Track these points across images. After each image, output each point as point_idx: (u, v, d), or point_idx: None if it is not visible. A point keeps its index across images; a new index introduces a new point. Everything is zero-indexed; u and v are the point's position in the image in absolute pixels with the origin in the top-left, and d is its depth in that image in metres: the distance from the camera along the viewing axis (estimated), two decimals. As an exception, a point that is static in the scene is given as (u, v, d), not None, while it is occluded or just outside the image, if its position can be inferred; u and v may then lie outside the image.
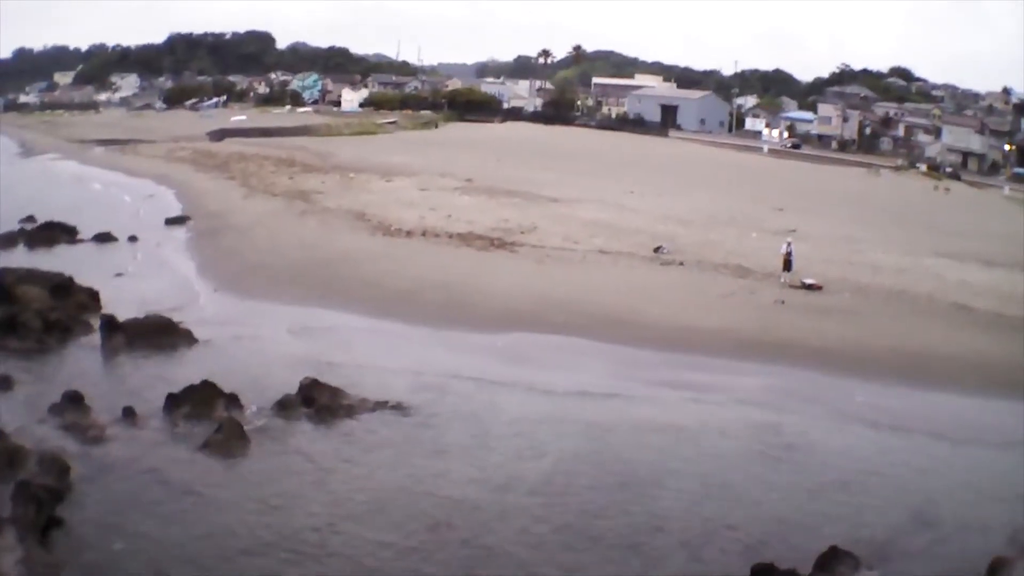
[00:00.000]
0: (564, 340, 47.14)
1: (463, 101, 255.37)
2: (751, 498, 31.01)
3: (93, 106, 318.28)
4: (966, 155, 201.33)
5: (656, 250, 67.25)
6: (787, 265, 60.89)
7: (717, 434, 36.57)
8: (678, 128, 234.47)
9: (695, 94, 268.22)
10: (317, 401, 36.39)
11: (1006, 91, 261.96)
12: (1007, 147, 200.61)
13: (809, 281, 59.77)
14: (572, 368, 43.33)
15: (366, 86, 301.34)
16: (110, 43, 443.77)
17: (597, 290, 55.56)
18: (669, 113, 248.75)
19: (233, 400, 35.75)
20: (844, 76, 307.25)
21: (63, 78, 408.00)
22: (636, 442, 35.22)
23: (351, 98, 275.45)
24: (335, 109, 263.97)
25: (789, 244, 62.27)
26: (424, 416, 36.45)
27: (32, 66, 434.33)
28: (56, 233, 72.16)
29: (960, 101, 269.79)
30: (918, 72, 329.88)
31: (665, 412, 38.58)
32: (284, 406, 36.16)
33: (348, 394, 37.26)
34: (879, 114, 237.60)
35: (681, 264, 63.76)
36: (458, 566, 25.98)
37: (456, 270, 58.96)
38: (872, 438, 37.28)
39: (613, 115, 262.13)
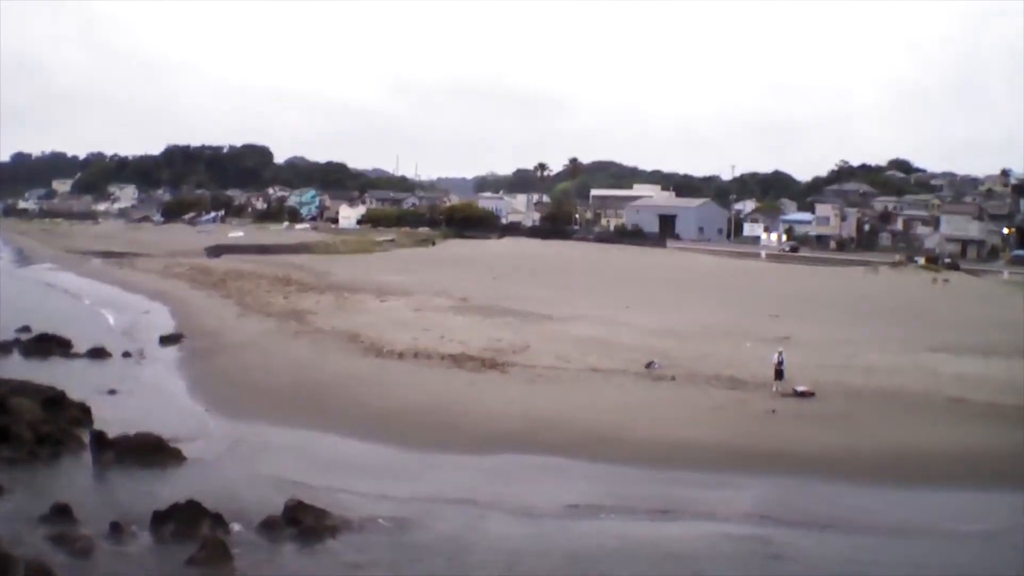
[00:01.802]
0: (551, 460, 47.04)
1: (461, 217, 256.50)
2: None
3: (92, 216, 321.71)
4: (965, 243, 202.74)
5: (648, 366, 67.00)
6: (778, 374, 60.83)
7: (702, 550, 36.42)
8: (676, 238, 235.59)
9: (693, 202, 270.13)
10: (302, 522, 36.42)
11: (1004, 173, 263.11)
12: (1006, 231, 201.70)
13: (801, 388, 59.63)
14: (557, 489, 43.13)
15: (364, 202, 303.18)
16: (108, 151, 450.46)
17: (587, 409, 55.32)
18: (667, 223, 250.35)
19: (218, 519, 35.86)
20: (843, 173, 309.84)
21: (61, 186, 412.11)
22: (616, 560, 35.08)
23: (348, 215, 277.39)
24: (333, 226, 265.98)
25: (780, 353, 62.26)
26: (407, 539, 36.44)
27: (29, 171, 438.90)
28: (51, 345, 73.17)
29: (959, 188, 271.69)
30: (918, 162, 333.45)
31: (646, 528, 38.73)
32: (269, 526, 36.28)
33: (332, 515, 37.28)
34: (878, 209, 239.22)
35: (673, 379, 63.41)
36: None
37: (446, 392, 58.89)
38: (860, 543, 37.31)
39: (611, 227, 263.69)
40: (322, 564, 34.25)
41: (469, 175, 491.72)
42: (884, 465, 45.97)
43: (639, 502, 41.76)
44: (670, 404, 57.22)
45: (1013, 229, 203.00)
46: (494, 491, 42.59)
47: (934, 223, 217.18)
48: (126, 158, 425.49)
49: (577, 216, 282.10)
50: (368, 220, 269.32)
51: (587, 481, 44.58)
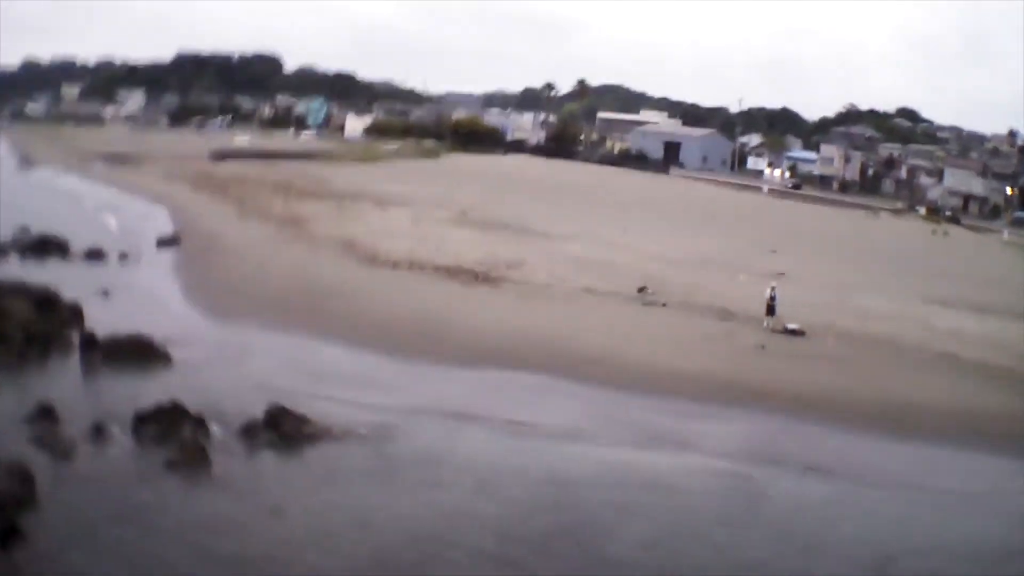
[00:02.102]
0: (537, 378, 47.06)
1: (466, 132, 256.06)
2: (707, 548, 31.00)
3: (99, 120, 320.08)
4: (967, 198, 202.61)
5: (640, 290, 67.12)
6: (770, 310, 60.76)
7: (681, 481, 36.37)
8: (680, 165, 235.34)
9: (698, 132, 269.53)
10: (282, 428, 36.61)
11: (1012, 134, 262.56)
12: (1009, 191, 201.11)
13: (792, 326, 59.61)
14: (541, 407, 43.29)
15: (371, 113, 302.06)
16: (117, 58, 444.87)
17: (576, 329, 55.49)
18: (672, 150, 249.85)
19: (199, 422, 35.97)
20: (850, 116, 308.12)
21: (70, 91, 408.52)
22: (596, 486, 35.03)
23: (355, 124, 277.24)
24: (339, 135, 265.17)
25: (773, 288, 62.15)
26: (386, 448, 36.62)
27: (39, 77, 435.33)
28: (48, 247, 72.61)
29: (965, 143, 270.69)
30: (926, 113, 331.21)
31: (629, 456, 38.52)
32: (249, 431, 36.39)
33: (313, 422, 37.38)
34: (883, 155, 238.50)
35: (664, 306, 63.62)
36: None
37: (437, 303, 59.13)
38: (841, 489, 37.13)
39: (616, 151, 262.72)
40: (297, 470, 34.44)
41: (478, 91, 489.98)
42: (870, 412, 45.72)
43: (621, 427, 41.76)
44: (660, 331, 57.38)
45: (1017, 190, 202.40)
46: (477, 405, 42.65)
47: (938, 175, 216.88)
48: (136, 64, 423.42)
49: (582, 137, 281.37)
50: (374, 130, 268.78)
51: (571, 402, 44.65)
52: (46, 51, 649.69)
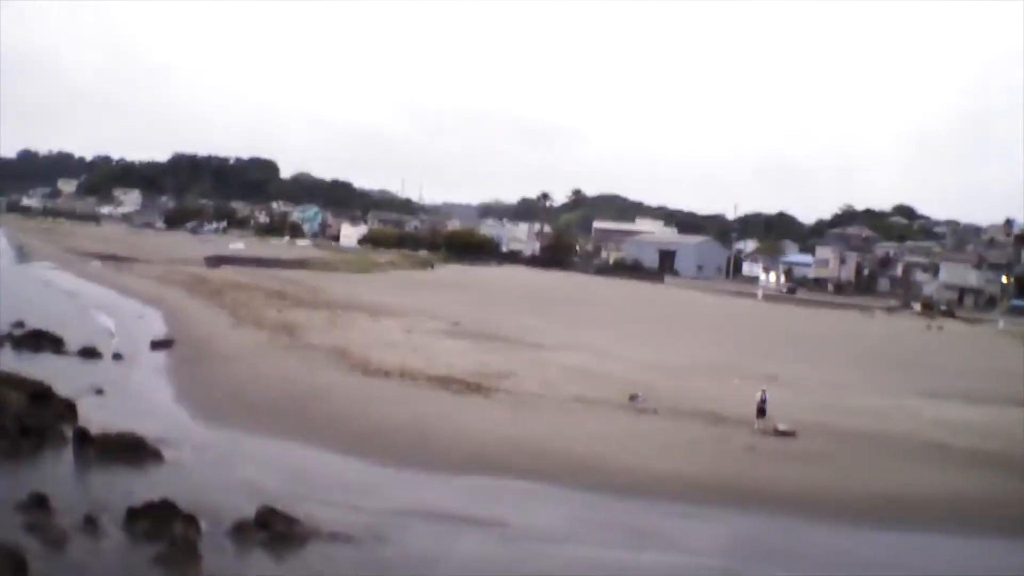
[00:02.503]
0: (526, 485, 47.28)
1: (461, 243, 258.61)
2: None
3: (95, 218, 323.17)
4: (963, 291, 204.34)
5: (631, 398, 67.14)
6: (761, 412, 61.06)
7: None
8: (675, 274, 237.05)
9: (693, 239, 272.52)
10: (272, 527, 36.94)
11: (1008, 223, 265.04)
12: (1004, 280, 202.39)
13: (782, 427, 59.85)
14: (529, 512, 43.55)
15: (366, 222, 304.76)
16: (114, 155, 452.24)
17: (566, 437, 55.57)
18: (667, 258, 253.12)
19: (190, 520, 36.29)
20: (846, 217, 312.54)
21: (67, 186, 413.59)
22: None
23: (350, 233, 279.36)
24: (334, 244, 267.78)
25: (763, 391, 62.49)
26: (374, 550, 36.87)
27: (35, 169, 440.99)
28: (43, 342, 73.76)
29: (962, 236, 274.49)
30: (924, 208, 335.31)
31: (615, 557, 38.88)
32: (240, 530, 36.70)
33: (303, 523, 37.74)
34: (879, 254, 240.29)
35: (655, 412, 63.68)
36: None
37: (428, 412, 59.08)
38: None
39: (611, 260, 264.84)
40: (287, 570, 34.84)
41: (475, 201, 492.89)
42: (860, 506, 46.21)
43: (611, 531, 42.01)
44: (650, 436, 57.35)
45: (1012, 279, 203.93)
46: (466, 511, 42.85)
47: (933, 270, 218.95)
48: (132, 163, 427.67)
49: (578, 247, 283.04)
50: (369, 240, 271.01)
51: (560, 507, 44.83)
52: (43, 143, 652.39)
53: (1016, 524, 44.30)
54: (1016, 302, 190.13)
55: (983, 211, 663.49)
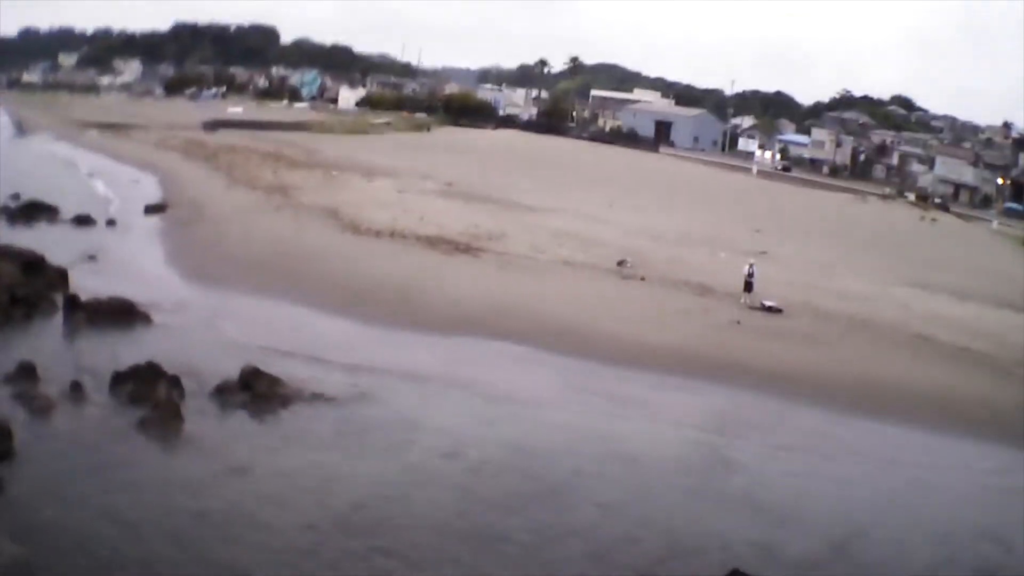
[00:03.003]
0: (510, 347, 47.80)
1: (458, 106, 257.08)
2: (667, 515, 31.54)
3: (94, 89, 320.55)
4: (958, 187, 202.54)
5: (619, 263, 67.71)
6: (748, 287, 61.23)
7: (646, 449, 36.97)
8: (671, 145, 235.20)
9: (690, 111, 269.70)
10: (255, 388, 37.41)
11: (1006, 125, 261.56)
12: (1000, 181, 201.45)
13: (769, 303, 60.05)
14: (512, 374, 44.07)
15: (364, 85, 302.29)
16: (115, 28, 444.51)
17: (552, 300, 56.07)
18: (663, 129, 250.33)
19: (175, 381, 36.75)
20: (844, 102, 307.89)
21: (67, 59, 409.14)
22: (562, 451, 35.65)
23: (348, 96, 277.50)
24: (332, 106, 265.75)
25: (751, 265, 62.69)
26: (355, 410, 37.36)
27: (37, 46, 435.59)
28: (37, 212, 73.99)
29: (959, 133, 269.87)
30: (921, 102, 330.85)
31: (597, 424, 39.10)
32: (222, 391, 37.26)
33: (286, 384, 38.20)
34: (875, 141, 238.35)
35: (642, 279, 64.08)
36: (356, 555, 27.10)
37: (416, 272, 59.69)
38: (805, 463, 37.66)
39: (607, 128, 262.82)
40: (267, 430, 35.25)
41: (474, 66, 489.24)
42: (841, 390, 46.22)
43: (591, 397, 42.38)
44: (636, 303, 57.89)
45: (1008, 180, 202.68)
46: (449, 372, 43.33)
47: (930, 163, 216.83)
48: (133, 34, 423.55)
49: (575, 114, 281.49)
50: (367, 103, 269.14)
51: (542, 370, 45.32)
52: (44, 20, 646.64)
53: (995, 425, 44.04)
54: (1011, 204, 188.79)
55: (980, 112, 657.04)
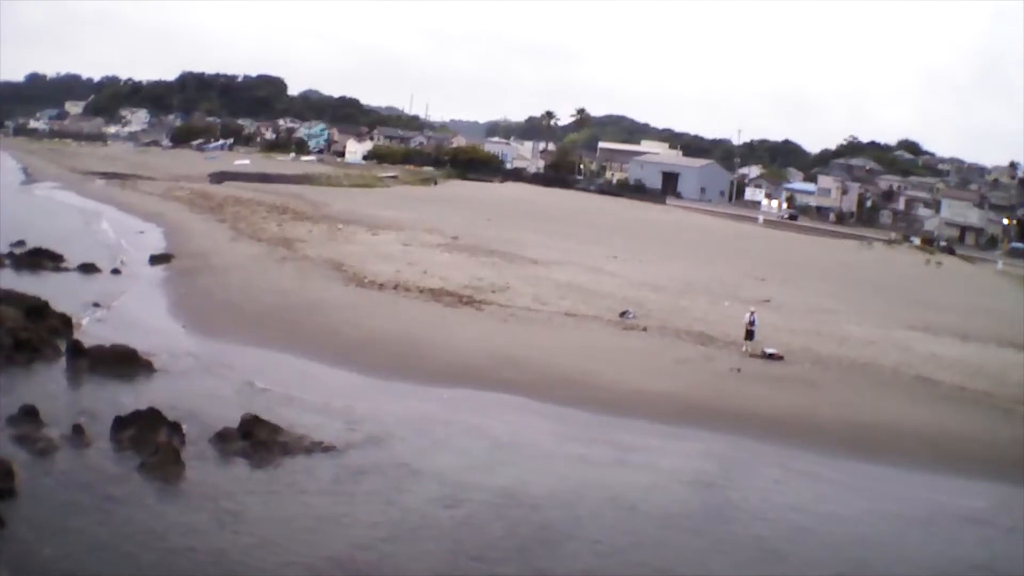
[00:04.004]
0: (510, 398, 47.88)
1: (466, 159, 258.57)
2: (663, 560, 31.71)
3: (101, 138, 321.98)
4: (964, 229, 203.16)
5: (622, 315, 67.81)
6: (749, 335, 61.36)
7: (643, 496, 37.00)
8: (678, 196, 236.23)
9: (697, 162, 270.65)
10: (255, 436, 37.68)
11: (1012, 165, 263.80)
12: (1006, 221, 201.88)
13: (770, 351, 60.12)
14: (511, 424, 44.13)
15: (372, 138, 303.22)
16: (122, 75, 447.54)
17: (553, 351, 56.14)
18: (670, 180, 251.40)
19: (176, 428, 37.25)
20: (851, 148, 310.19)
21: (74, 107, 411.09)
22: (559, 500, 35.74)
23: (355, 149, 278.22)
24: (339, 159, 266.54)
25: (752, 313, 62.79)
26: (354, 459, 37.62)
27: (43, 92, 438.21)
28: (42, 259, 74.51)
29: (965, 175, 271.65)
30: (932, 145, 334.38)
31: (595, 472, 39.24)
32: (223, 438, 37.57)
33: (286, 432, 38.56)
34: (882, 187, 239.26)
35: (644, 329, 64.12)
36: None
37: (419, 324, 59.88)
38: (801, 505, 37.81)
39: (614, 180, 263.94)
40: (266, 478, 35.44)
41: (482, 119, 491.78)
42: (840, 433, 46.37)
43: (590, 446, 42.49)
44: (637, 353, 57.80)
45: (1014, 220, 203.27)
46: (448, 422, 43.58)
47: (935, 206, 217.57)
48: (140, 82, 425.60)
49: (582, 167, 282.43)
50: (374, 156, 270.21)
51: (542, 420, 45.40)
52: (51, 66, 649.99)
53: (996, 465, 44.17)
54: (1017, 244, 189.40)
55: (988, 154, 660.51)
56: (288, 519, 31.75)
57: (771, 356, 59.73)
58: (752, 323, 61.98)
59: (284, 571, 28.26)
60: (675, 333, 64.23)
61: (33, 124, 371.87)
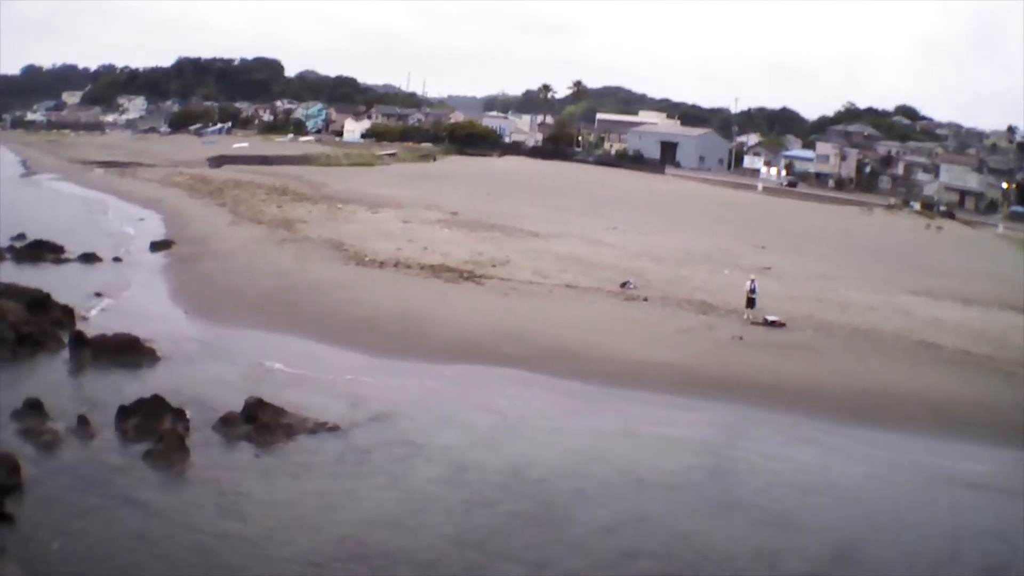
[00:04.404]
0: (513, 372, 48.10)
1: (463, 134, 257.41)
2: (668, 530, 31.83)
3: (99, 127, 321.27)
4: (963, 193, 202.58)
5: (623, 285, 68.09)
6: (750, 302, 61.61)
7: (647, 468, 37.13)
8: (677, 165, 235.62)
9: (694, 131, 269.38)
10: (259, 419, 37.81)
11: (1011, 129, 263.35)
12: (1005, 186, 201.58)
13: (772, 318, 60.33)
14: (514, 400, 44.24)
15: (370, 117, 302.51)
16: (119, 64, 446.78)
17: (555, 323, 56.40)
18: (668, 150, 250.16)
19: (180, 414, 37.44)
20: (849, 114, 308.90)
21: (71, 97, 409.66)
22: (564, 473, 35.93)
23: (353, 128, 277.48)
24: (337, 139, 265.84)
25: (753, 281, 63.13)
26: (358, 438, 37.81)
27: (40, 84, 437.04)
28: (43, 251, 74.36)
29: (964, 140, 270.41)
30: (929, 111, 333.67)
31: (598, 444, 39.43)
32: (227, 422, 37.72)
33: (290, 414, 38.68)
34: (880, 152, 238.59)
35: (645, 300, 64.43)
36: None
37: (420, 301, 60.10)
38: (805, 472, 37.95)
39: (613, 151, 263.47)
40: (271, 461, 35.57)
41: (480, 94, 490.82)
42: (843, 399, 46.58)
43: (594, 418, 42.79)
44: (639, 324, 58.17)
45: (1014, 185, 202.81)
46: (451, 398, 43.88)
47: (934, 171, 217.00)
48: (137, 70, 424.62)
49: (580, 139, 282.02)
50: (372, 134, 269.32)
51: (545, 393, 45.66)
52: (47, 57, 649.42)
53: (999, 428, 44.28)
54: (1017, 208, 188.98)
55: (986, 118, 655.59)
56: (293, 501, 31.90)
57: (773, 323, 59.96)
58: (753, 291, 62.29)
59: (288, 553, 28.43)
60: (676, 303, 64.47)
61: (31, 116, 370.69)
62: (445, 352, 50.59)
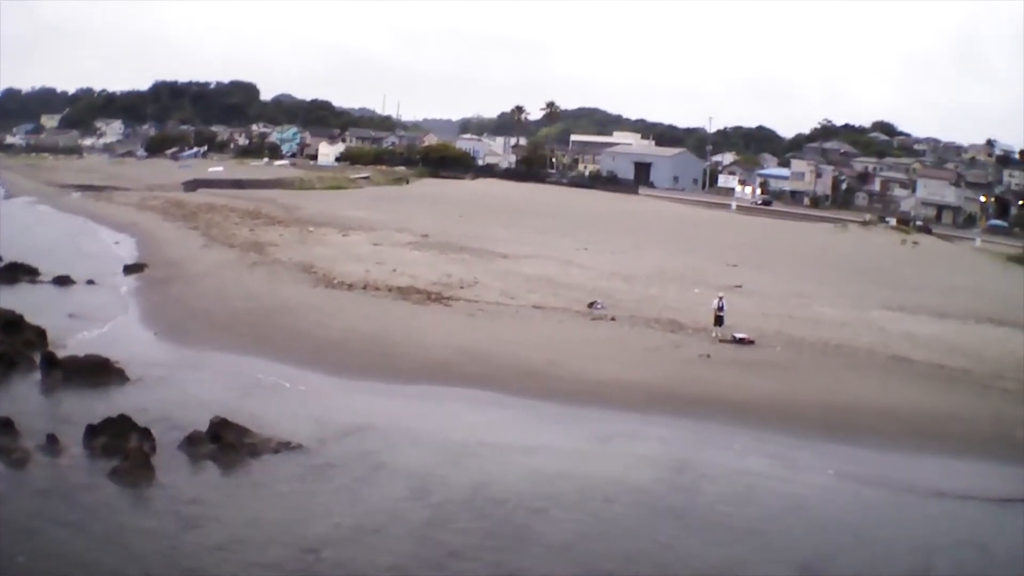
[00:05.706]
0: (478, 392, 48.48)
1: (437, 157, 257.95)
2: (631, 547, 32.19)
3: (77, 151, 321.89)
4: (941, 208, 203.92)
5: (590, 305, 68.67)
6: (718, 320, 62.08)
7: (611, 486, 37.41)
8: (651, 185, 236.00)
9: (669, 151, 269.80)
10: (224, 439, 38.37)
11: (989, 143, 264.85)
12: (983, 199, 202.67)
13: (740, 335, 60.99)
14: (479, 419, 44.76)
15: (344, 140, 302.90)
16: (96, 87, 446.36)
17: (521, 344, 56.92)
18: (642, 170, 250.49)
19: (146, 434, 37.82)
20: (826, 131, 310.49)
21: (49, 121, 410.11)
22: (525, 489, 36.38)
23: (327, 152, 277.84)
24: (311, 163, 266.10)
25: (721, 299, 63.55)
26: (320, 458, 38.28)
27: (19, 107, 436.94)
28: (18, 273, 75.06)
29: (941, 154, 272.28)
30: (908, 126, 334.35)
31: (563, 464, 39.67)
32: (192, 441, 38.29)
33: (254, 434, 39.22)
34: (857, 169, 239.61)
35: (613, 319, 65.00)
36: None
37: (386, 322, 60.69)
38: (770, 488, 38.34)
39: (587, 173, 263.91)
40: (234, 479, 36.27)
41: (455, 117, 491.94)
42: (813, 415, 47.02)
43: (556, 436, 43.29)
44: (606, 343, 58.67)
45: (992, 198, 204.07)
46: (415, 419, 44.24)
47: (912, 186, 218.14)
48: (114, 93, 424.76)
49: (554, 160, 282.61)
50: (346, 158, 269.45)
51: (509, 413, 46.23)
52: (26, 80, 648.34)
53: (974, 441, 44.67)
54: (995, 221, 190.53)
55: (965, 132, 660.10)
56: (254, 519, 32.39)
57: (741, 341, 60.59)
58: (721, 308, 62.75)
59: (249, 570, 28.95)
60: (644, 322, 65.05)
61: (10, 140, 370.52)
62: (411, 372, 51.05)
